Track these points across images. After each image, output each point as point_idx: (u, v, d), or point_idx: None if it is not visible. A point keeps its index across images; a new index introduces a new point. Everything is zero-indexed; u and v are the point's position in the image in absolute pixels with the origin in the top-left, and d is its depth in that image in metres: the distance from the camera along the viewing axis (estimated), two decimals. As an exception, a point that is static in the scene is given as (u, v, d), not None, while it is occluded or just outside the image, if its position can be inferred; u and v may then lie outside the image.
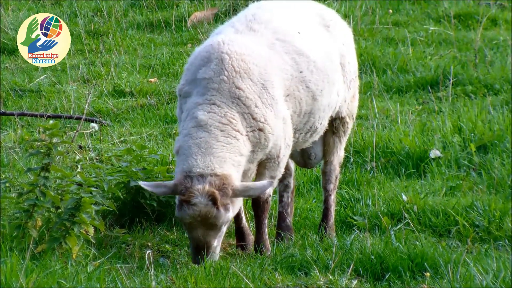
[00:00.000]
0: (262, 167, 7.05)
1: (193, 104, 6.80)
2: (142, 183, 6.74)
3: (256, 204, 7.14)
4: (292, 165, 7.86)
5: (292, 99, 7.04)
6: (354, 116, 7.81)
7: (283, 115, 6.94)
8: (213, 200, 6.53)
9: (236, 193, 6.63)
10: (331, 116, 7.54)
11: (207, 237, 6.64)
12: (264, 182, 6.75)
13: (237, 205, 6.81)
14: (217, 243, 6.69)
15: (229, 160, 6.66)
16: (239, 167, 6.73)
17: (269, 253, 7.15)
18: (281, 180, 7.44)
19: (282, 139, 6.97)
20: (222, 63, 6.82)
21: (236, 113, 6.78)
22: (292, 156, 7.70)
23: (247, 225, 7.43)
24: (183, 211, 6.58)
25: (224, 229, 6.71)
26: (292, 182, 7.81)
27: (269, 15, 7.20)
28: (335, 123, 7.67)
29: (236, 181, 6.66)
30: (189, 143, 6.68)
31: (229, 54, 6.84)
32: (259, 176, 7.07)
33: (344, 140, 7.80)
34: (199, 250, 6.67)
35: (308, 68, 7.11)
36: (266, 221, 7.19)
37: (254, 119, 6.81)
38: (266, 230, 7.21)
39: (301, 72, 7.06)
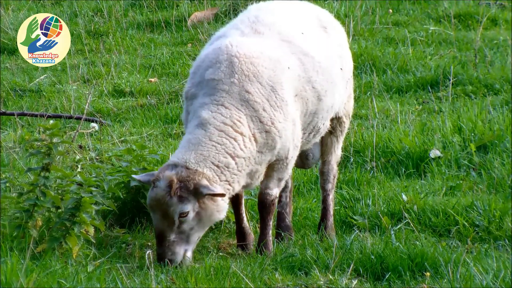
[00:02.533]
0: (270, 169, 7.04)
1: (199, 104, 6.82)
2: (134, 176, 6.83)
3: (262, 205, 7.14)
4: (291, 165, 7.86)
5: (299, 99, 7.05)
6: (351, 116, 7.83)
7: (293, 117, 6.95)
8: (170, 187, 6.57)
9: (198, 190, 6.61)
10: (330, 116, 7.57)
11: (162, 225, 6.64)
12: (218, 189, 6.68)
13: (218, 207, 6.73)
14: (175, 238, 6.66)
15: (209, 159, 6.66)
16: (223, 169, 6.71)
17: (270, 253, 7.14)
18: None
19: (290, 141, 6.97)
20: (232, 65, 6.82)
21: (244, 115, 6.78)
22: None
23: (248, 225, 7.43)
24: (149, 193, 6.68)
25: (184, 226, 6.63)
26: (290, 182, 7.81)
27: (272, 17, 7.20)
28: (332, 123, 7.68)
29: (206, 180, 6.64)
30: (185, 139, 6.73)
31: (238, 57, 6.84)
32: (266, 178, 7.06)
33: (341, 140, 7.81)
34: (158, 241, 6.68)
35: (314, 68, 7.12)
36: (271, 222, 7.19)
37: (261, 122, 6.82)
38: (270, 231, 7.21)
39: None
